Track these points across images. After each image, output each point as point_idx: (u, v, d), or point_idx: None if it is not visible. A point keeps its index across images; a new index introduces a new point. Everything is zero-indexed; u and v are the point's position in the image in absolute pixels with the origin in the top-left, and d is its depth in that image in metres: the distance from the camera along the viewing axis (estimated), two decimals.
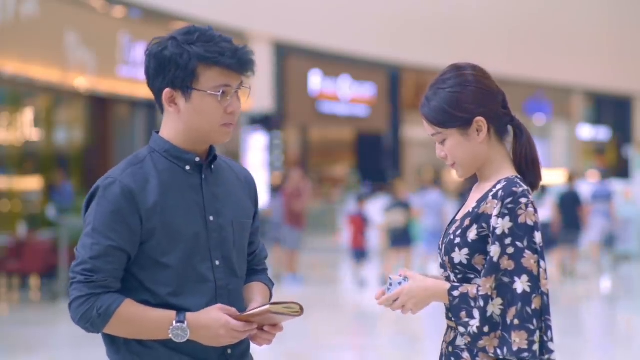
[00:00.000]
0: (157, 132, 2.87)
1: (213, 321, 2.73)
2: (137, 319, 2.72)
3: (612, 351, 10.47)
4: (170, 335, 2.72)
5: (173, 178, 2.79)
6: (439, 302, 2.83)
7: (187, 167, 2.82)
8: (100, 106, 19.75)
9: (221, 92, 2.77)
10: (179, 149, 2.81)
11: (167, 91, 2.78)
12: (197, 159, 2.82)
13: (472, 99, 2.83)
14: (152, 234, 2.74)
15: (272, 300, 2.80)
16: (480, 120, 2.83)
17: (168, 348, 2.76)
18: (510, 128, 2.91)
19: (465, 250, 2.81)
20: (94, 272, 2.70)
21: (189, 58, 2.75)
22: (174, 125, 2.82)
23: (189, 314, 2.72)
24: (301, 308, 2.76)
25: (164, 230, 2.74)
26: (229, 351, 2.82)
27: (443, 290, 2.80)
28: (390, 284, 2.82)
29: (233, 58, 2.76)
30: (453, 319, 2.79)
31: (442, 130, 2.86)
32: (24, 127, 18.39)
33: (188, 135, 2.81)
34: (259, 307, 2.78)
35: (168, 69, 2.76)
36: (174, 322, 2.71)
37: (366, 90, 29.32)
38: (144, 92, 18.78)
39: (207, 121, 2.78)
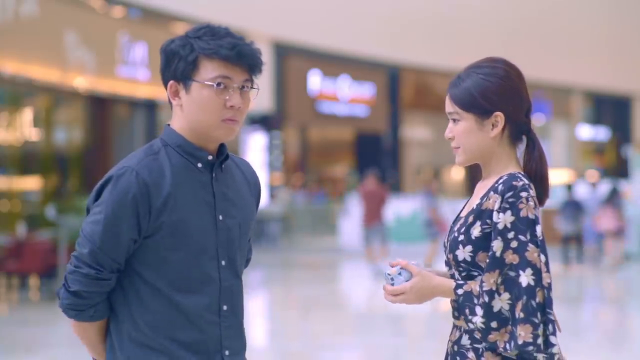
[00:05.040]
0: (169, 125, 2.86)
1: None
2: (88, 336, 3.00)
3: None
4: None
5: (185, 174, 2.78)
6: (443, 297, 2.87)
7: (199, 165, 2.80)
8: (99, 106, 19.74)
9: (219, 84, 2.76)
10: (192, 145, 2.80)
11: (171, 83, 2.79)
12: (210, 157, 2.81)
13: (499, 92, 2.86)
14: (160, 228, 2.72)
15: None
16: (499, 116, 2.86)
17: (164, 353, 2.76)
18: (524, 139, 2.92)
19: (469, 248, 2.82)
20: (104, 266, 2.72)
21: (191, 49, 2.76)
22: (179, 120, 2.82)
23: None
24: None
25: (173, 225, 2.73)
26: (227, 352, 2.81)
27: (449, 289, 2.83)
28: (392, 279, 2.86)
29: (231, 50, 2.76)
30: (461, 316, 2.82)
31: (460, 112, 2.87)
32: (23, 127, 18.40)
33: (193, 131, 2.79)
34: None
35: (172, 61, 2.78)
36: None
37: (366, 91, 29.32)
38: (143, 92, 18.78)
39: (205, 114, 2.76)
